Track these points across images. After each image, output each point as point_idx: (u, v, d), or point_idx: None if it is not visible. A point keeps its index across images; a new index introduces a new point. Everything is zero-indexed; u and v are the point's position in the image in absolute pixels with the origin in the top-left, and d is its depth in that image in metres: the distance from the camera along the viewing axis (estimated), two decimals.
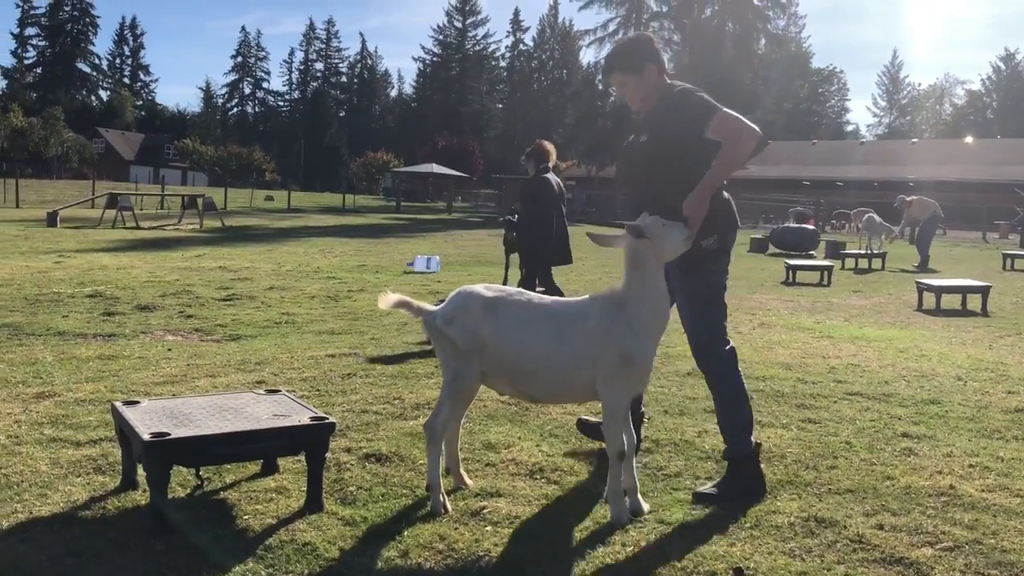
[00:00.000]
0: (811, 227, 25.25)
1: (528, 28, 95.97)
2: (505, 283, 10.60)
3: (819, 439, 4.59)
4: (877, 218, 19.73)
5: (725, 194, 3.89)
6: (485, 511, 3.48)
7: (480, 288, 3.59)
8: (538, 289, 8.11)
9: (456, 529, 3.31)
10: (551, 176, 8.26)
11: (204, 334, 7.61)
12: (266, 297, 10.01)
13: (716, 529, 3.35)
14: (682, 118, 3.74)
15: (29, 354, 6.39)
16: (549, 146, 8.24)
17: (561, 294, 7.98)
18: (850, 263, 18.12)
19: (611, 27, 63.97)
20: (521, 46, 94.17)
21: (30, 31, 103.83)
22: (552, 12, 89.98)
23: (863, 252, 18.72)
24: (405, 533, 3.25)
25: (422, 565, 3.01)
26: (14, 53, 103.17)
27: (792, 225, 26.11)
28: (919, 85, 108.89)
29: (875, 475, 4.02)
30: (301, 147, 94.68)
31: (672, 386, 5.74)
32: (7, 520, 3.24)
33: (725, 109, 3.70)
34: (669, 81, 3.94)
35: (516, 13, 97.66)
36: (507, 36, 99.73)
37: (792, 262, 14.89)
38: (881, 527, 3.39)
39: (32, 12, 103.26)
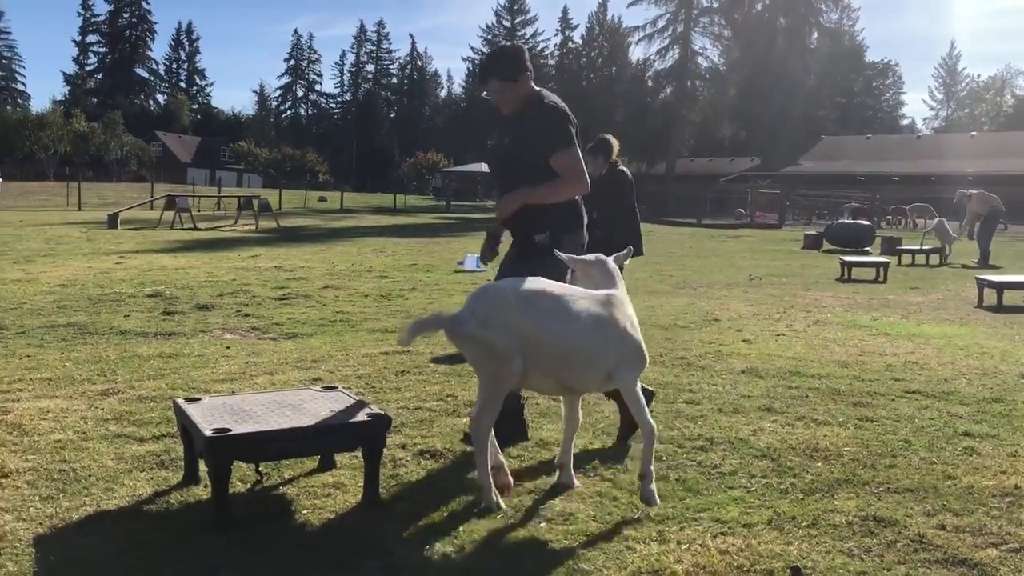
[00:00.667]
0: (866, 223, 24.82)
1: (577, 26, 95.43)
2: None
3: (877, 437, 4.52)
4: (948, 226, 19.30)
5: (577, 197, 4.31)
6: (539, 508, 3.50)
7: (503, 283, 3.55)
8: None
9: (510, 526, 3.33)
10: (626, 169, 8.15)
11: (261, 332, 7.75)
12: (321, 296, 10.15)
13: (773, 527, 3.32)
14: (542, 131, 4.15)
15: (93, 352, 6.57)
16: (614, 140, 8.09)
17: None
18: (907, 259, 17.77)
19: (660, 23, 63.61)
20: (570, 44, 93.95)
21: (91, 38, 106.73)
22: (601, 9, 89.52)
23: (920, 248, 18.36)
24: (460, 529, 3.28)
25: (478, 561, 3.03)
26: (76, 60, 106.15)
27: (847, 221, 25.70)
28: (978, 77, 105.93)
29: (936, 474, 3.94)
30: (353, 148, 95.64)
31: (726, 384, 5.69)
32: (77, 513, 3.34)
33: (578, 150, 4.17)
34: (538, 89, 4.30)
35: (565, 11, 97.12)
36: (556, 34, 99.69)
37: (847, 258, 14.66)
38: (943, 527, 3.33)
39: (93, 20, 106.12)
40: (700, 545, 3.14)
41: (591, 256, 3.90)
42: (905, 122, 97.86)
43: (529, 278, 3.59)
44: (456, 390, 5.37)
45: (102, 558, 2.97)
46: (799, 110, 62.23)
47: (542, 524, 3.34)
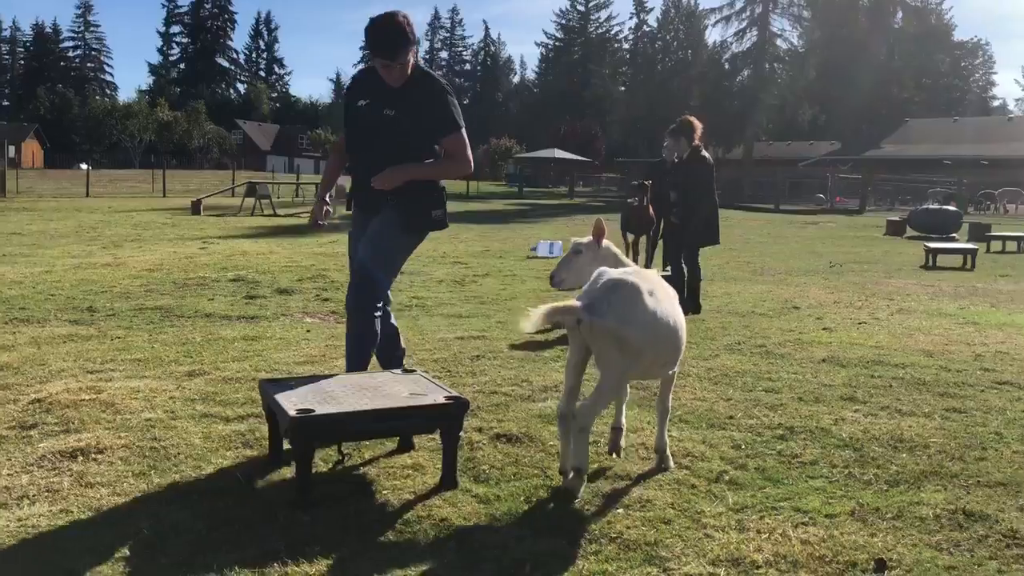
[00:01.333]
0: (953, 208, 24.02)
1: (652, 9, 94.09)
2: (641, 262, 10.38)
3: (965, 429, 4.38)
4: None
5: (442, 182, 4.43)
6: (617, 494, 3.49)
7: (627, 277, 3.49)
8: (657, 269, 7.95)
9: (587, 511, 3.33)
10: (707, 154, 7.98)
11: (340, 316, 7.88)
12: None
13: (856, 519, 3.25)
14: (430, 112, 4.13)
15: (180, 335, 6.77)
16: (697, 121, 7.85)
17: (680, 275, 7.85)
18: (996, 246, 17.14)
19: (737, 5, 62.34)
20: (645, 27, 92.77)
21: (174, 29, 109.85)
22: None
23: (1011, 235, 17.69)
24: (537, 513, 3.30)
25: (554, 545, 3.03)
26: (160, 51, 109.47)
27: (932, 206, 24.92)
28: None
29: None
30: None
31: (806, 372, 5.59)
32: (167, 489, 3.46)
33: (464, 131, 4.20)
34: (419, 64, 4.23)
35: None
36: (630, 18, 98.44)
37: (932, 245, 14.22)
38: None
39: (176, 11, 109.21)
40: (781, 535, 3.10)
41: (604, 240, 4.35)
42: (996, 103, 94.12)
43: (625, 269, 3.72)
44: (531, 375, 5.39)
45: (192, 533, 3.07)
46: (882, 92, 60.35)
47: (619, 510, 3.33)
